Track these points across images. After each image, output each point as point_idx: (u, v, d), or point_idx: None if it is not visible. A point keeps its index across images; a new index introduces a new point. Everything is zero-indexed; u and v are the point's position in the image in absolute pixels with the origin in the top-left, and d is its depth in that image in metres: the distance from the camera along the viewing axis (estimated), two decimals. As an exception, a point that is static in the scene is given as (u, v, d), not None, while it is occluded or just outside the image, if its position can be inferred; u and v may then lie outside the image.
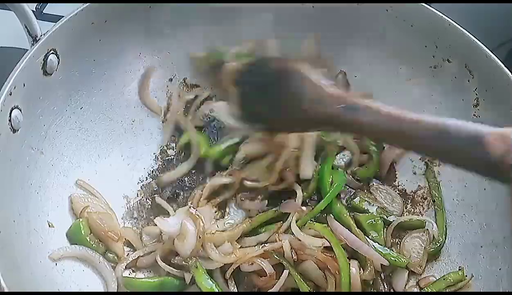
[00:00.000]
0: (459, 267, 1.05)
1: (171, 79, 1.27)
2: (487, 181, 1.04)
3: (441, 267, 1.08)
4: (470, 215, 1.10)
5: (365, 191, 1.18)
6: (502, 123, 1.03)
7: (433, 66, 1.19)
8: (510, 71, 1.02)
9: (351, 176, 1.17)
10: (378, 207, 1.13)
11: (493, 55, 1.05)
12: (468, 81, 1.12)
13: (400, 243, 1.11)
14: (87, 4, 1.04)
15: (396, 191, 1.20)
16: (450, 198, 1.15)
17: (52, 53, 0.99)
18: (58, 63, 1.01)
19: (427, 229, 1.11)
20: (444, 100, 1.18)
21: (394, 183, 1.22)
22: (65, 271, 0.94)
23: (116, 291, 0.98)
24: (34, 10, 1.40)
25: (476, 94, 1.11)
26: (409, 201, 1.19)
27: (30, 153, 0.96)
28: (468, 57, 1.11)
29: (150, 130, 1.23)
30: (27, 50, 0.95)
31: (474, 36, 1.08)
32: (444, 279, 1.02)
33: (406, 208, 1.18)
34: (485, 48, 1.07)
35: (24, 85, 0.93)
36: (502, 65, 1.03)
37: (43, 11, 1.44)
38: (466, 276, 1.03)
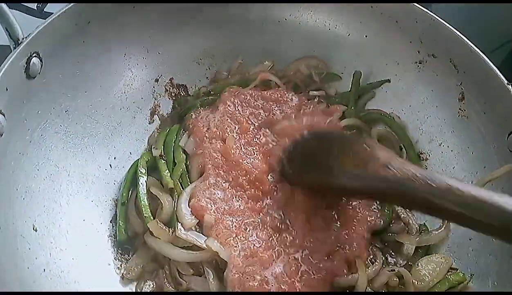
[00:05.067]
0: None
1: (157, 80, 1.27)
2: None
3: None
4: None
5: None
6: (487, 117, 1.06)
7: (418, 62, 1.20)
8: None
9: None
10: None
11: (477, 50, 1.06)
12: (453, 76, 1.13)
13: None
14: (70, 5, 1.03)
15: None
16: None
17: (35, 56, 0.97)
18: (41, 66, 0.99)
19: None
20: (430, 95, 1.19)
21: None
22: (53, 277, 0.92)
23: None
24: (35, 8, 1.39)
25: (462, 88, 1.11)
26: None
27: (15, 158, 0.94)
28: (453, 52, 1.12)
29: (137, 131, 1.23)
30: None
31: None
32: (446, 280, 1.01)
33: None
34: (470, 42, 1.07)
35: (6, 89, 0.91)
36: (487, 60, 1.04)
37: (44, 10, 1.42)
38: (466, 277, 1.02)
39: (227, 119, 1.20)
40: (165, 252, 1.04)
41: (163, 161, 1.16)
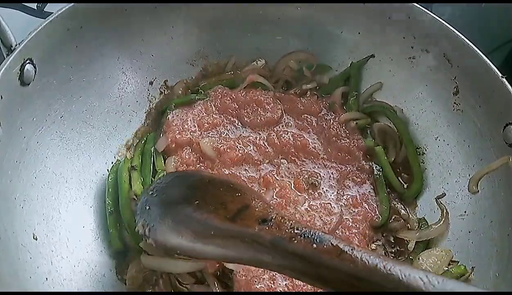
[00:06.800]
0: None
1: (151, 83, 1.26)
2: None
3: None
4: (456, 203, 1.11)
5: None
6: (482, 110, 1.07)
7: (412, 57, 1.20)
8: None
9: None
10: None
11: (470, 44, 1.07)
12: (447, 70, 1.13)
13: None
14: (62, 10, 1.02)
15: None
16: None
17: (29, 62, 0.96)
18: (35, 72, 0.98)
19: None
20: (425, 90, 1.20)
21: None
22: (56, 285, 0.91)
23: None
24: (35, 8, 1.38)
25: (456, 82, 1.12)
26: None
27: (12, 167, 0.93)
28: (446, 46, 1.12)
29: (133, 135, 1.22)
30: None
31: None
32: (447, 273, 1.01)
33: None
34: (462, 36, 1.08)
35: (1, 97, 0.90)
36: (480, 53, 1.05)
37: (44, 9, 1.40)
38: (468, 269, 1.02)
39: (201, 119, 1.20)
40: (166, 268, 1.00)
41: (135, 170, 1.12)
